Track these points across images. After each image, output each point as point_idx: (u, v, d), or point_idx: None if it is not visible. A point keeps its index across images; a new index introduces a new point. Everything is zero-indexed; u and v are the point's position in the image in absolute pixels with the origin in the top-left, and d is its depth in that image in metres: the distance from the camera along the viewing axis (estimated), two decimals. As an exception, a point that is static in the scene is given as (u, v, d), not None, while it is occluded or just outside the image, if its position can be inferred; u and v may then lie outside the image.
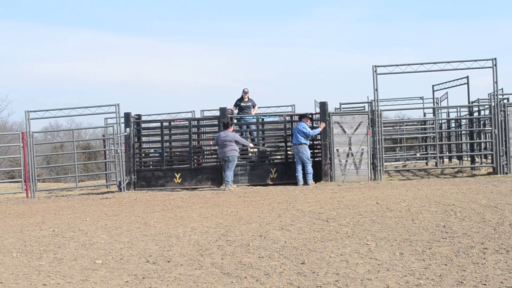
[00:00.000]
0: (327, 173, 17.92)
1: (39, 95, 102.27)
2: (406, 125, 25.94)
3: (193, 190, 17.57)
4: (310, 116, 18.46)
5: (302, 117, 17.94)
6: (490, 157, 18.99)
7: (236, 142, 17.34)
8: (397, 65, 18.32)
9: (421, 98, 26.09)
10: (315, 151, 19.45)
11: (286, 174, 18.38)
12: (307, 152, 17.50)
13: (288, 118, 19.53)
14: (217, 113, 19.38)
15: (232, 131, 17.52)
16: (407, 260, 7.23)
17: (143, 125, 20.28)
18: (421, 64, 18.25)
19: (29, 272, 7.68)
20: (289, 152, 18.88)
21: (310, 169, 17.38)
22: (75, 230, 10.52)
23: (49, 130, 53.10)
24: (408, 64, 18.30)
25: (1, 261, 8.39)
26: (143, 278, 7.07)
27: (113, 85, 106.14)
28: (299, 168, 17.61)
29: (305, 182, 17.39)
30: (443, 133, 23.14)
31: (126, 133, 18.77)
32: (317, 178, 17.89)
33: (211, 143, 21.15)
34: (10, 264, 8.19)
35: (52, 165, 39.11)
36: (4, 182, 27.44)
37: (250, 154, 19.15)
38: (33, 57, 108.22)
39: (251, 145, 18.37)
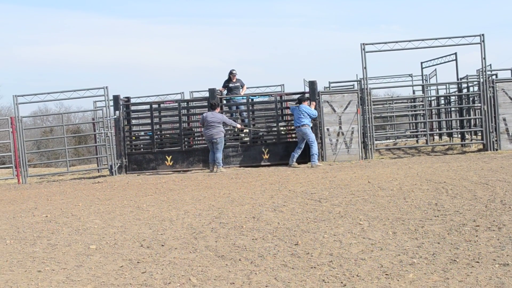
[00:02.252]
0: (318, 153, 17.94)
1: (27, 79, 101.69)
2: (395, 103, 26.01)
3: (185, 173, 17.57)
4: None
5: (302, 100, 17.62)
6: (480, 134, 19.11)
7: (224, 123, 17.32)
8: (386, 43, 18.32)
9: (410, 75, 26.15)
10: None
11: (278, 155, 18.36)
12: (312, 134, 17.36)
13: (278, 98, 19.53)
14: (207, 94, 19.35)
15: (219, 112, 17.47)
16: (400, 239, 7.28)
17: (133, 108, 20.22)
18: (409, 41, 18.27)
19: (23, 258, 7.68)
20: (282, 132, 18.89)
21: (316, 149, 17.17)
22: (68, 216, 10.52)
23: (38, 115, 52.93)
24: (397, 41, 18.32)
25: (-6, 248, 8.39)
26: (138, 262, 7.09)
27: (101, 68, 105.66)
28: (301, 148, 17.42)
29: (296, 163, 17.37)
30: (433, 110, 23.22)
31: (115, 116, 18.72)
32: (308, 158, 17.91)
33: (199, 124, 21.15)
34: (4, 251, 8.18)
35: (43, 150, 38.93)
36: (-6, 168, 27.38)
37: (243, 135, 19.13)
38: (21, 40, 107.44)
39: (239, 126, 18.34)
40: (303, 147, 17.26)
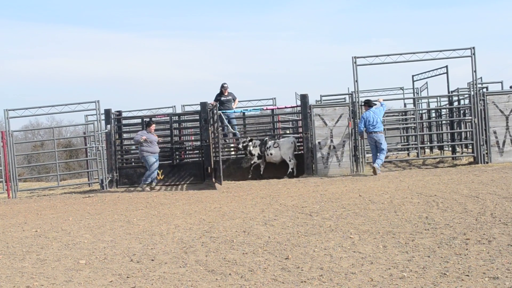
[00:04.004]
0: (309, 166, 17.96)
1: (18, 93, 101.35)
2: (386, 116, 26.01)
3: (176, 186, 17.52)
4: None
5: (370, 104, 17.22)
6: (470, 147, 19.13)
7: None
8: (377, 56, 18.36)
9: (401, 88, 26.20)
10: (297, 144, 19.50)
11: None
12: (385, 140, 17.11)
13: (269, 112, 19.57)
14: (198, 108, 19.33)
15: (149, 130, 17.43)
16: (391, 252, 7.27)
17: (124, 122, 20.18)
18: (401, 54, 18.32)
19: (12, 274, 7.62)
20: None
21: (384, 157, 16.98)
22: (58, 230, 10.46)
23: (29, 129, 52.76)
24: (388, 55, 18.37)
25: (-17, 263, 8.32)
26: (127, 277, 7.05)
27: (93, 82, 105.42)
28: (375, 154, 16.96)
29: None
30: (424, 123, 23.27)
31: (107, 130, 18.67)
32: (300, 171, 17.92)
33: (192, 139, 21.11)
34: (-7, 266, 8.12)
35: (33, 164, 38.82)
36: (-16, 182, 27.23)
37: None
38: (12, 54, 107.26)
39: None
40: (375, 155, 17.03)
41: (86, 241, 9.36)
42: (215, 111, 17.74)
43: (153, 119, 18.30)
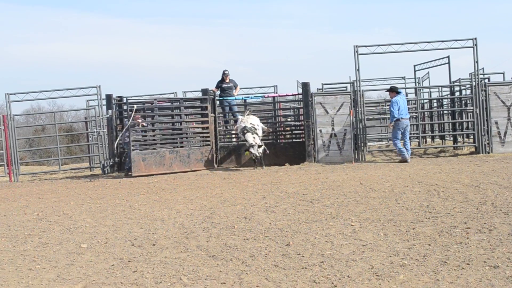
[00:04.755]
0: (311, 154, 17.95)
1: (20, 78, 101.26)
2: (388, 105, 26.02)
3: (177, 173, 17.55)
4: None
5: (397, 90, 17.19)
6: (472, 137, 19.14)
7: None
8: (379, 45, 18.33)
9: (403, 78, 26.19)
10: (298, 132, 19.52)
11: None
12: None
13: (270, 99, 19.57)
14: (200, 94, 19.32)
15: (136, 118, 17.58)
16: (391, 240, 7.30)
17: (125, 107, 20.15)
18: (402, 44, 18.28)
19: (14, 257, 7.66)
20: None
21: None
22: (59, 214, 10.50)
23: (31, 113, 52.76)
24: (390, 44, 18.32)
25: (-15, 246, 8.37)
26: (129, 261, 7.09)
27: (94, 67, 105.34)
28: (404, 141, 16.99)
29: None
30: (425, 113, 23.26)
31: (108, 115, 18.67)
32: (301, 159, 17.93)
33: (194, 125, 21.10)
34: (-5, 249, 8.16)
35: (35, 148, 38.83)
36: (-14, 166, 27.28)
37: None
38: (13, 39, 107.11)
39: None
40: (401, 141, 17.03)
41: (87, 225, 9.39)
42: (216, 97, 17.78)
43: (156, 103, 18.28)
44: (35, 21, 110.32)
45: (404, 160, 16.37)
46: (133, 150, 17.07)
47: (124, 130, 17.49)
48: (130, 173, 16.98)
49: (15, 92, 19.70)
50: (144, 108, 18.32)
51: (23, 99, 20.18)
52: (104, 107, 19.61)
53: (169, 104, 19.59)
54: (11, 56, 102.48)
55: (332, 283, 5.80)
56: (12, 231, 9.29)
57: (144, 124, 17.99)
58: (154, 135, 18.85)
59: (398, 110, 16.54)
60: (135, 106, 17.64)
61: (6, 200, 13.17)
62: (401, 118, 16.63)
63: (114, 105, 18.51)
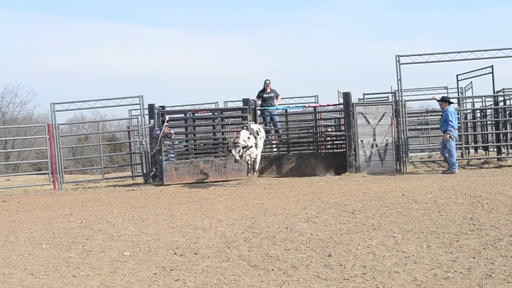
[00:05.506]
0: (352, 164, 17.87)
1: (63, 88, 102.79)
2: (430, 115, 25.76)
3: (218, 182, 17.61)
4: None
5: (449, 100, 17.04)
6: (516, 148, 18.81)
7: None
8: (421, 55, 18.19)
9: (445, 88, 25.91)
10: (339, 142, 19.46)
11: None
12: None
13: (311, 109, 19.56)
14: (241, 104, 19.39)
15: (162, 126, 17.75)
16: (435, 252, 7.22)
17: (168, 116, 20.32)
18: (445, 53, 18.10)
19: (59, 263, 7.79)
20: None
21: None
22: (102, 222, 10.64)
23: (75, 122, 53.60)
24: (432, 54, 18.17)
25: (31, 252, 8.52)
26: (171, 270, 7.14)
27: (137, 77, 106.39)
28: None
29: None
30: (468, 123, 22.96)
31: (150, 125, 18.86)
32: (342, 169, 17.84)
33: (235, 135, 21.17)
34: (40, 255, 8.31)
35: (78, 157, 39.43)
36: (31, 174, 27.82)
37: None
38: (57, 49, 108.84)
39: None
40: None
41: (130, 233, 9.50)
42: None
43: (197, 114, 18.44)
44: (77, 32, 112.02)
45: (452, 173, 16.11)
46: (165, 160, 17.27)
47: (157, 140, 17.68)
48: (161, 182, 17.21)
49: (60, 102, 20.03)
50: (179, 119, 18.61)
51: (68, 109, 20.51)
52: (147, 117, 19.82)
53: (203, 114, 19.77)
54: (54, 66, 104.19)
55: (375, 294, 5.77)
56: (56, 238, 9.44)
57: (172, 132, 18.15)
58: (186, 145, 19.05)
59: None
60: (167, 117, 17.80)
61: (50, 208, 13.39)
62: (454, 128, 16.43)
63: (156, 115, 18.68)
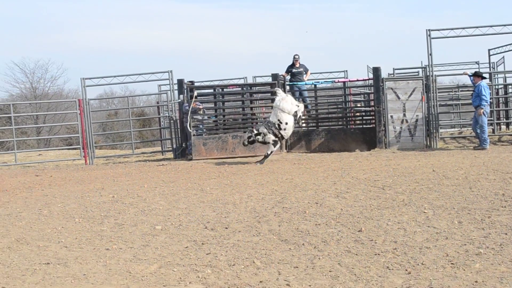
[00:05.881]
0: (381, 140, 17.77)
1: (93, 63, 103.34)
2: (461, 91, 25.47)
3: (247, 157, 17.65)
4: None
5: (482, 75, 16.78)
6: (549, 123, 18.55)
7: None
8: (452, 29, 17.96)
9: (477, 63, 25.57)
10: (368, 117, 19.36)
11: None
12: None
13: (340, 84, 19.49)
14: (269, 79, 19.35)
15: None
16: (466, 228, 7.19)
17: (196, 91, 20.37)
18: (477, 27, 17.83)
19: (92, 237, 7.91)
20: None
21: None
22: (134, 196, 10.75)
23: (104, 97, 53.95)
24: (463, 28, 17.92)
25: (64, 226, 8.66)
26: (202, 244, 7.21)
27: (165, 53, 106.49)
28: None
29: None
30: (500, 99, 22.66)
31: (179, 100, 18.92)
32: (371, 145, 17.77)
33: (263, 110, 21.15)
34: (73, 229, 8.44)
35: (108, 132, 39.74)
36: (62, 149, 28.14)
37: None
38: (87, 25, 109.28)
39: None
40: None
41: (161, 207, 9.59)
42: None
43: (226, 89, 18.47)
44: (108, 8, 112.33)
45: (483, 149, 15.95)
46: (193, 135, 17.36)
47: (187, 115, 17.70)
48: (190, 157, 17.31)
49: (90, 77, 20.15)
50: (208, 94, 18.67)
51: (98, 84, 20.65)
52: (176, 92, 19.88)
53: (231, 89, 19.81)
54: (86, 42, 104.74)
55: (406, 269, 5.77)
56: (89, 212, 9.57)
57: (200, 107, 18.21)
58: (215, 120, 19.11)
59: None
60: (195, 92, 17.84)
61: (82, 182, 13.55)
62: (487, 104, 16.22)
63: (185, 90, 18.72)
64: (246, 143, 15.44)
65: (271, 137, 15.28)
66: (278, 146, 15.65)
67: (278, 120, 15.20)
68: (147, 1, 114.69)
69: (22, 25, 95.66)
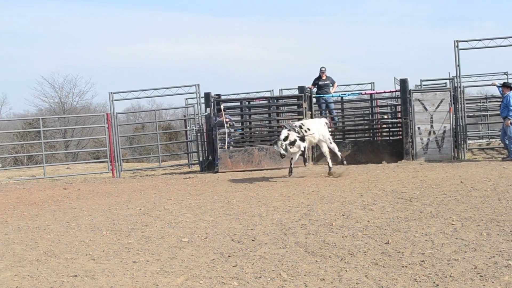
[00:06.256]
0: (409, 152, 17.66)
1: (120, 78, 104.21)
2: (489, 102, 25.24)
3: (272, 170, 17.64)
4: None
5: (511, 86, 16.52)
6: None
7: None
8: (480, 40, 17.84)
9: (505, 73, 25.32)
10: (395, 129, 19.25)
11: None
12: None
13: (367, 96, 19.41)
14: (296, 92, 19.35)
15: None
16: (495, 240, 7.10)
17: (223, 105, 20.45)
18: (505, 38, 17.69)
19: (119, 249, 7.95)
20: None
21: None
22: (160, 209, 10.79)
23: (132, 111, 54.31)
24: (492, 39, 17.79)
25: (92, 238, 8.72)
26: (229, 256, 7.22)
27: (192, 66, 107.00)
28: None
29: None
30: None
31: (206, 113, 19.00)
32: (398, 157, 17.66)
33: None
34: (101, 241, 8.50)
35: (135, 145, 40.01)
36: (90, 162, 28.39)
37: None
38: (115, 41, 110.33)
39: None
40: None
41: (188, 220, 9.62)
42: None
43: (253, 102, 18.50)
44: (133, 22, 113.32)
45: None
46: (220, 147, 17.43)
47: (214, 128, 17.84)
48: (216, 169, 17.36)
49: (118, 91, 20.34)
50: (234, 107, 18.78)
51: (125, 98, 20.83)
52: (203, 105, 19.97)
53: (258, 102, 19.85)
54: (113, 57, 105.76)
55: (434, 282, 5.71)
56: (116, 224, 9.63)
57: (228, 120, 18.30)
58: (241, 133, 19.17)
59: None
60: (222, 105, 17.95)
61: (110, 195, 13.65)
62: None
63: (212, 103, 18.79)
64: (283, 151, 13.88)
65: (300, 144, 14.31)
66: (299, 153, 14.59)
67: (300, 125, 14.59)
68: (174, 15, 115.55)
69: (52, 40, 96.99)
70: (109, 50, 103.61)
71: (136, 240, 8.47)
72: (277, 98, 20.65)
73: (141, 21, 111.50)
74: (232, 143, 18.63)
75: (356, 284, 5.84)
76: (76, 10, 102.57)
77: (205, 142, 19.43)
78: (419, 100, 17.62)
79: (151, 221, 9.70)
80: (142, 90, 20.86)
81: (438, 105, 17.47)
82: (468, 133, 18.21)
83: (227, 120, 18.35)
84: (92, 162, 28.47)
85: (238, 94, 25.75)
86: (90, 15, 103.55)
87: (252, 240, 7.95)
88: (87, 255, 7.73)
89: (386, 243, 7.33)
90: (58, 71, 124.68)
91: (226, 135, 17.84)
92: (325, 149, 15.05)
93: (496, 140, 22.56)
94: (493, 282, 5.58)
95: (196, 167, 20.48)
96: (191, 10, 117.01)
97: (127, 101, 33.05)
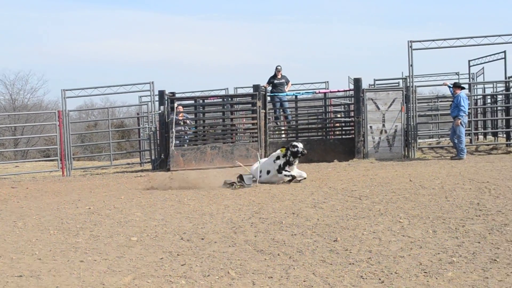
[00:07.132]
0: (360, 150, 17.85)
1: (73, 74, 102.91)
2: (440, 101, 25.63)
3: (225, 168, 17.62)
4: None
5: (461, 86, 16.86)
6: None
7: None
8: (433, 40, 18.12)
9: (457, 73, 25.78)
10: (348, 128, 19.42)
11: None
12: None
13: (321, 95, 19.55)
14: (251, 90, 19.36)
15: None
16: (440, 237, 7.22)
17: (177, 103, 20.34)
18: (458, 39, 17.99)
19: (66, 249, 7.83)
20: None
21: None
22: (110, 208, 10.68)
23: (84, 109, 53.69)
24: (444, 39, 18.08)
25: (39, 238, 8.57)
26: (178, 255, 7.17)
27: (146, 64, 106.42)
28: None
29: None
30: (478, 109, 22.85)
31: (160, 111, 18.89)
32: (350, 155, 17.83)
33: (244, 121, 21.16)
34: (48, 241, 8.36)
35: (87, 143, 39.52)
36: (40, 161, 27.94)
37: None
38: (68, 36, 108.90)
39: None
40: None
41: (137, 219, 9.53)
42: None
43: (207, 100, 18.44)
44: (87, 19, 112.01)
45: (460, 159, 16.05)
46: (174, 146, 17.39)
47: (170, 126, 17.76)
48: (168, 167, 17.30)
49: (71, 88, 20.08)
50: (188, 105, 18.71)
51: (78, 95, 20.59)
52: (157, 103, 19.84)
53: (213, 101, 19.83)
54: (64, 53, 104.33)
55: (380, 279, 5.78)
56: (64, 224, 9.48)
57: (185, 119, 18.27)
58: (195, 132, 19.13)
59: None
60: (176, 103, 17.90)
61: (58, 194, 13.45)
62: (465, 114, 16.36)
63: (166, 101, 18.68)
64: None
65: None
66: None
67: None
68: (128, 12, 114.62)
69: (3, 36, 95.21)
70: (62, 47, 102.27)
71: (84, 239, 8.35)
72: (232, 97, 20.61)
73: (95, 18, 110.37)
74: (187, 141, 18.59)
75: (304, 281, 5.86)
76: (28, 6, 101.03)
77: (158, 140, 19.30)
78: (372, 99, 17.81)
79: (100, 220, 9.58)
80: (95, 88, 20.68)
81: (391, 104, 17.70)
82: (418, 132, 18.46)
83: (184, 118, 18.28)
84: (42, 161, 28.04)
85: (192, 92, 25.68)
86: (44, 10, 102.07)
87: (202, 239, 7.92)
88: (33, 255, 7.59)
89: (334, 241, 7.38)
90: (9, 67, 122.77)
91: (183, 133, 17.81)
92: None
93: (445, 139, 22.93)
94: (436, 278, 5.66)
95: (148, 166, 20.34)
96: (145, 7, 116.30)
97: (80, 99, 32.66)
